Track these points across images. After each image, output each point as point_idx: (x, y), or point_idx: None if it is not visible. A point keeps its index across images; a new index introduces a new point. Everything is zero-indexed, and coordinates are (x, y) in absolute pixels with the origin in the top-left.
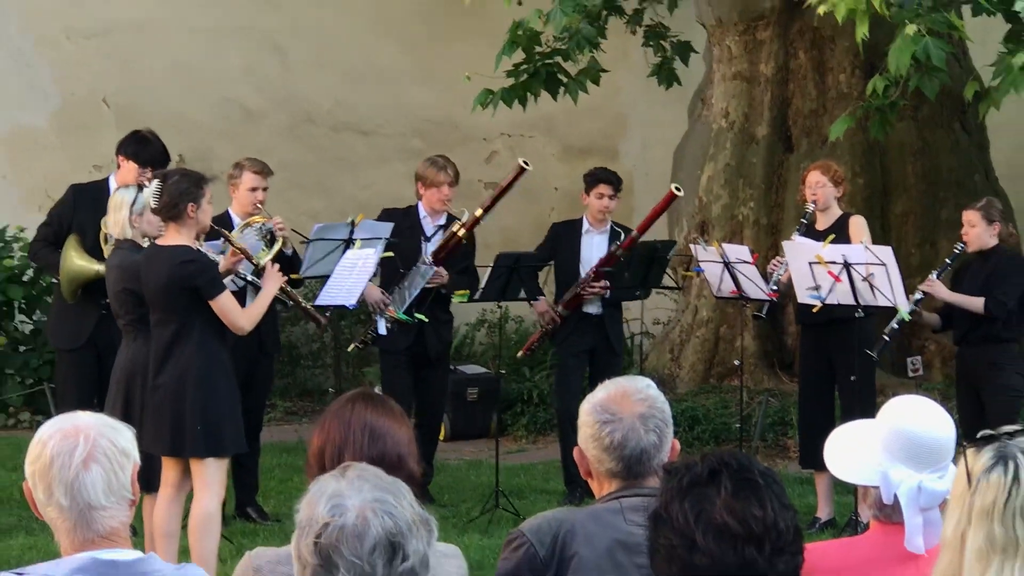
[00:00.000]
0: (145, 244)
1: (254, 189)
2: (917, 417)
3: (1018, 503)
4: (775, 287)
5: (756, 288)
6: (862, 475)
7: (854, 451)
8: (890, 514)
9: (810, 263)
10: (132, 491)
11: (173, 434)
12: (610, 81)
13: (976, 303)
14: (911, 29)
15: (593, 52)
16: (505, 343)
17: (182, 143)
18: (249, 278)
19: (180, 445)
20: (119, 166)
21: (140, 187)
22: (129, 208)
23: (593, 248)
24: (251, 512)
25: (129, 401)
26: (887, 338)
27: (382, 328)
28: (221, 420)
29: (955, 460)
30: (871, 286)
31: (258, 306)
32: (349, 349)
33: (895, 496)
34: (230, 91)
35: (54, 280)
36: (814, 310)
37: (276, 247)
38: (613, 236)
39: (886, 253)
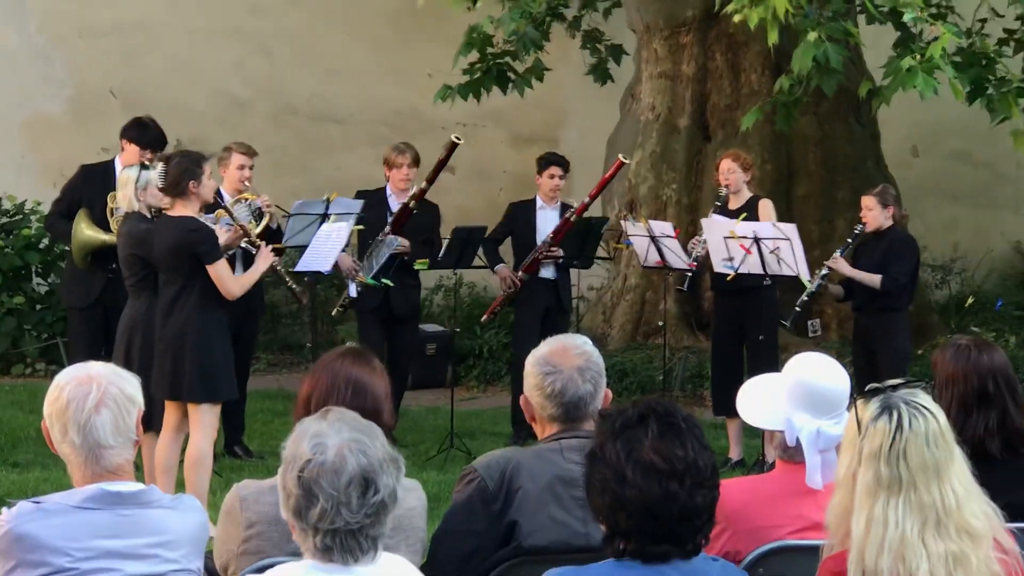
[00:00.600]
0: (148, 214)
1: (241, 167)
2: (817, 371)
3: (901, 447)
4: (695, 260)
5: (678, 259)
6: (769, 421)
7: (763, 400)
8: (793, 455)
9: (725, 238)
10: (136, 433)
11: (173, 380)
12: (552, 78)
13: (874, 279)
14: (812, 36)
15: (538, 53)
16: (460, 305)
17: (180, 129)
18: (243, 244)
19: (179, 390)
20: (123, 148)
21: (143, 166)
22: (134, 184)
23: (547, 222)
24: (238, 450)
25: (130, 350)
26: (798, 308)
27: (352, 291)
28: (216, 370)
29: (849, 409)
30: (777, 258)
31: (248, 277)
32: (333, 313)
33: (797, 439)
34: (222, 84)
35: (66, 248)
36: (728, 279)
37: (264, 222)
38: (563, 211)
39: (790, 229)
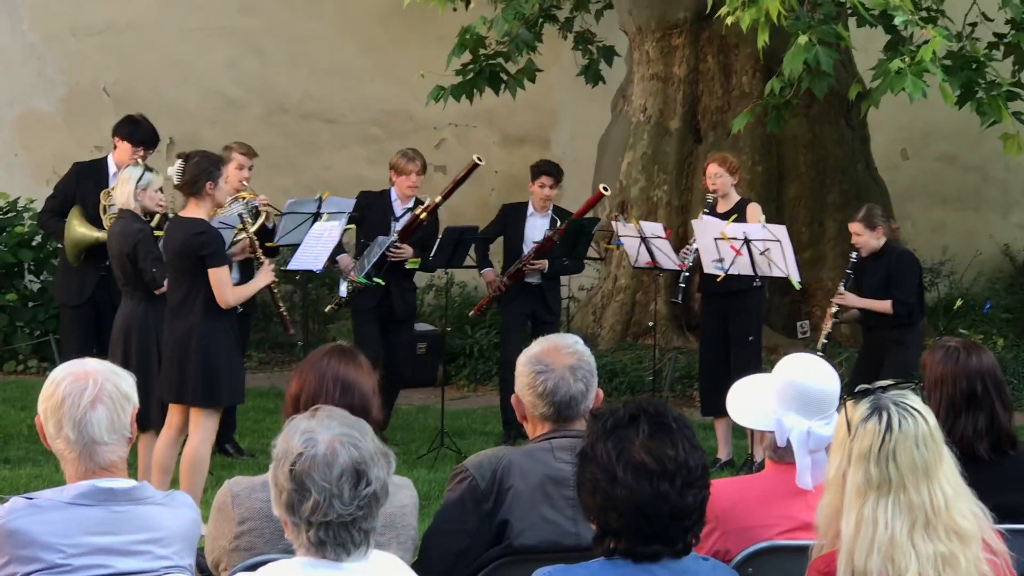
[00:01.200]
0: (142, 215)
1: (241, 167)
2: (808, 372)
3: (890, 447)
4: (689, 261)
5: (668, 260)
6: (760, 421)
7: (753, 400)
8: (783, 455)
9: (715, 239)
10: (131, 430)
11: (178, 384)
12: (544, 79)
13: (884, 305)
14: (803, 39)
15: (530, 54)
16: (450, 304)
17: (173, 128)
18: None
19: (183, 394)
20: (115, 146)
21: (147, 168)
22: (135, 183)
23: (535, 229)
24: (229, 448)
25: (127, 353)
26: (821, 353)
27: (343, 291)
28: (219, 374)
29: (839, 410)
30: (768, 260)
31: (246, 290)
32: (326, 310)
33: (787, 439)
34: (214, 83)
35: (59, 245)
36: (718, 279)
37: (260, 221)
38: (554, 219)
39: (781, 231)
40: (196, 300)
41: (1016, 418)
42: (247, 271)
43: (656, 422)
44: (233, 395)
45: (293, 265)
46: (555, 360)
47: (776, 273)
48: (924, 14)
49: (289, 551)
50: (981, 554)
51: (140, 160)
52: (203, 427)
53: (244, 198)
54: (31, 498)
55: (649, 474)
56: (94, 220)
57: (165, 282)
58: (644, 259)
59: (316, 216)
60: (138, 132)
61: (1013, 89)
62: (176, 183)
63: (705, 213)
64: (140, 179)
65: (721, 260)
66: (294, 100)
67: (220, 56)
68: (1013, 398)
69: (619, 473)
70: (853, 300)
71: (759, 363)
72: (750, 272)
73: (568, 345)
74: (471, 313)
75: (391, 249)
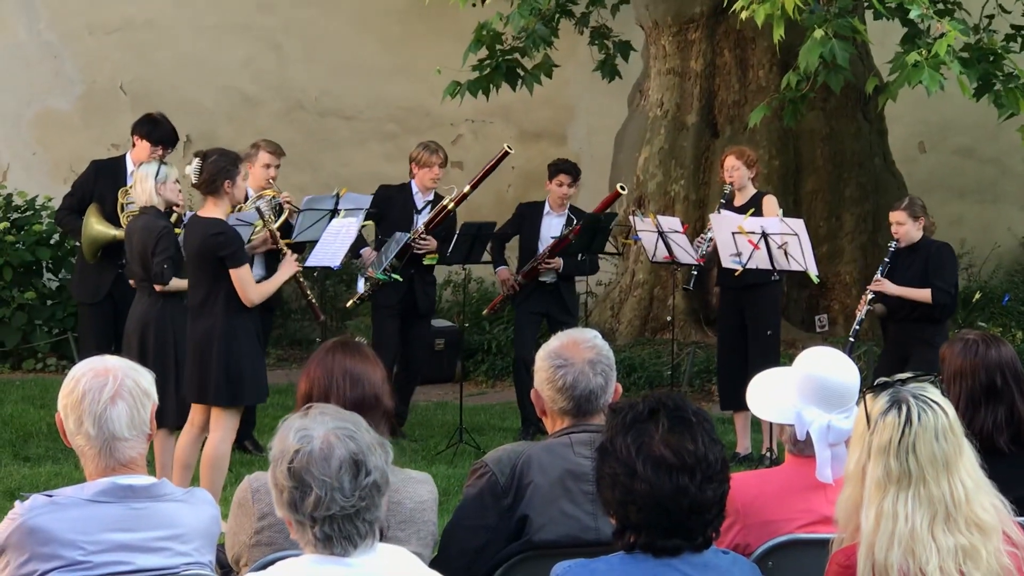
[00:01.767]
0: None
1: (268, 166)
2: (827, 365)
3: (910, 441)
4: (703, 255)
5: (686, 254)
6: (780, 414)
7: (773, 394)
8: (803, 448)
9: (733, 233)
10: (150, 427)
11: (200, 384)
12: (560, 75)
13: (924, 294)
14: (819, 33)
15: (546, 49)
16: (468, 300)
17: (189, 126)
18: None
19: (205, 394)
20: (134, 144)
21: (162, 162)
22: (153, 179)
23: (551, 228)
24: (248, 445)
25: (143, 351)
26: (852, 339)
27: (360, 286)
28: (241, 373)
29: (858, 403)
30: (785, 253)
31: (269, 285)
32: (348, 305)
33: (807, 433)
34: (231, 80)
35: (77, 243)
36: (736, 274)
37: (283, 217)
38: (571, 218)
39: (798, 225)
40: (217, 300)
41: None
42: (272, 266)
43: (676, 416)
44: (256, 394)
45: (311, 262)
46: (574, 354)
47: (794, 267)
48: (940, 7)
49: None
50: (1002, 546)
51: (160, 158)
52: (224, 425)
53: (268, 195)
54: (51, 495)
55: (669, 468)
56: (112, 218)
57: (172, 282)
58: (662, 254)
59: (333, 213)
60: (157, 131)
61: None
62: (194, 182)
63: (721, 206)
64: (157, 174)
65: (739, 254)
66: (311, 97)
67: (237, 53)
68: None
69: (639, 467)
70: (891, 288)
71: (777, 357)
72: (768, 266)
73: (587, 339)
74: (485, 312)
75: (417, 241)
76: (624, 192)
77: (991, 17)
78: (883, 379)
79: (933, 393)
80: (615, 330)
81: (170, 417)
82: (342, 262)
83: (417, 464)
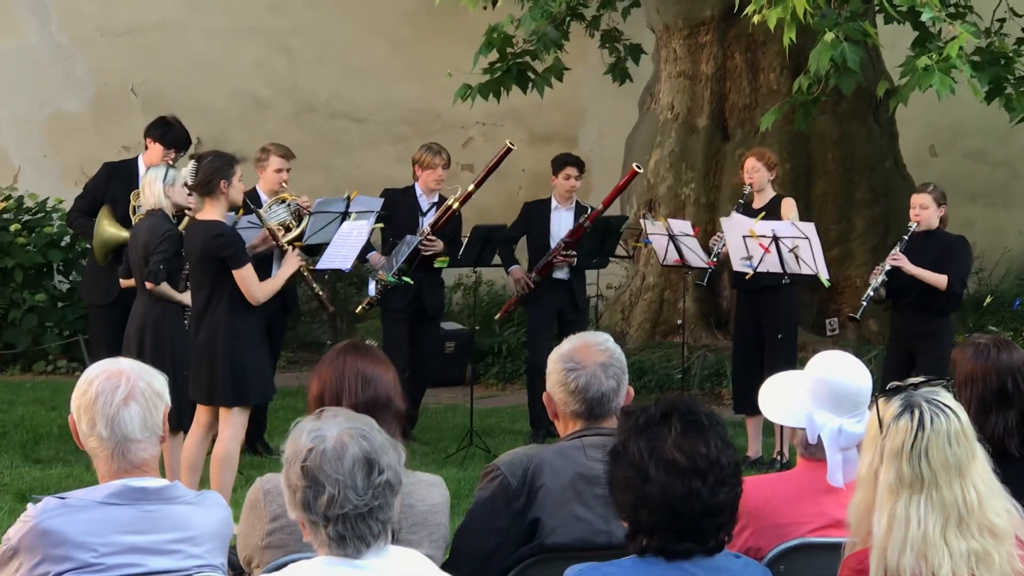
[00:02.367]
0: (171, 214)
1: (279, 170)
2: (839, 369)
3: (923, 445)
4: (715, 258)
5: (697, 257)
6: (791, 418)
7: (785, 398)
8: (814, 452)
9: (744, 236)
10: (163, 429)
11: (207, 386)
12: (571, 78)
13: (940, 279)
14: (830, 36)
15: (557, 52)
16: (479, 303)
17: (200, 128)
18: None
19: (212, 395)
20: (147, 147)
21: (169, 165)
22: (162, 182)
23: (561, 223)
24: (258, 447)
25: (141, 353)
26: (865, 303)
27: (372, 290)
28: (247, 374)
29: (870, 407)
30: (796, 257)
31: (274, 282)
32: (357, 310)
33: (819, 437)
34: (242, 83)
35: (88, 245)
36: (747, 278)
37: (304, 223)
38: (579, 212)
39: (809, 228)
40: (220, 302)
41: None
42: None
43: (688, 420)
44: (263, 393)
45: (322, 264)
46: (586, 357)
47: (805, 271)
48: (951, 10)
49: None
50: (1015, 551)
51: (171, 162)
52: (233, 424)
53: (285, 199)
54: (63, 498)
55: (681, 472)
56: (124, 221)
57: (163, 285)
58: (672, 257)
59: (344, 215)
60: (170, 134)
61: None
62: (190, 184)
63: (739, 208)
64: (165, 177)
65: (750, 258)
66: (322, 99)
67: (248, 56)
68: None
69: (651, 471)
70: (909, 266)
71: (792, 361)
72: (779, 270)
73: (599, 343)
74: (497, 316)
75: (423, 243)
76: (640, 171)
77: (1002, 21)
78: (895, 383)
79: (945, 397)
80: (626, 333)
81: (171, 419)
82: (352, 265)
83: (428, 467)
